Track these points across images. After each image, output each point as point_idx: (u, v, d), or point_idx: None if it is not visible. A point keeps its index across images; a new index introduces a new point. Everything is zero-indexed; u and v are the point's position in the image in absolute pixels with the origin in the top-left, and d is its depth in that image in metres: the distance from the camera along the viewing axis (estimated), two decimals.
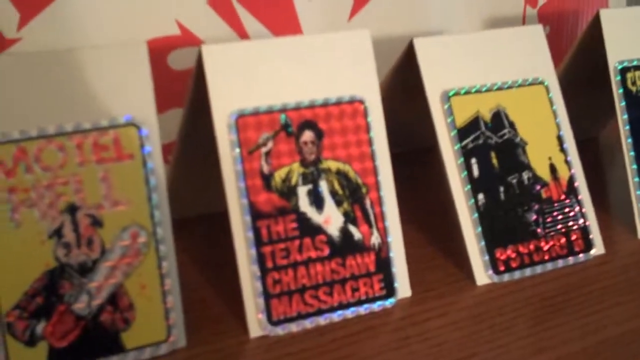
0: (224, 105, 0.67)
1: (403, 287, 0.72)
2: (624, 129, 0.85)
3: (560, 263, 0.78)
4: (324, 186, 0.69)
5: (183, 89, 0.73)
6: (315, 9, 0.95)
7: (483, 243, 0.75)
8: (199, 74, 0.68)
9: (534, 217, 0.78)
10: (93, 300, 0.61)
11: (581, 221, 0.80)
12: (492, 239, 0.75)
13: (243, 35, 0.90)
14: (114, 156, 0.62)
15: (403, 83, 0.81)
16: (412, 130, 0.89)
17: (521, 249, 0.76)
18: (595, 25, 0.87)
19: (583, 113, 0.87)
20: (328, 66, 0.71)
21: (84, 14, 0.81)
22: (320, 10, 0.95)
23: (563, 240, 0.78)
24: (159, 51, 0.85)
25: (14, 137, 0.59)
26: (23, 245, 0.59)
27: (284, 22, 0.92)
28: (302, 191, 0.68)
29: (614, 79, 0.85)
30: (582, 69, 0.95)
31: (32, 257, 0.59)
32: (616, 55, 0.86)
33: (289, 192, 0.68)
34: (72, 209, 0.61)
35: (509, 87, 0.80)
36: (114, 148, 0.62)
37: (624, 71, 0.85)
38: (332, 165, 0.70)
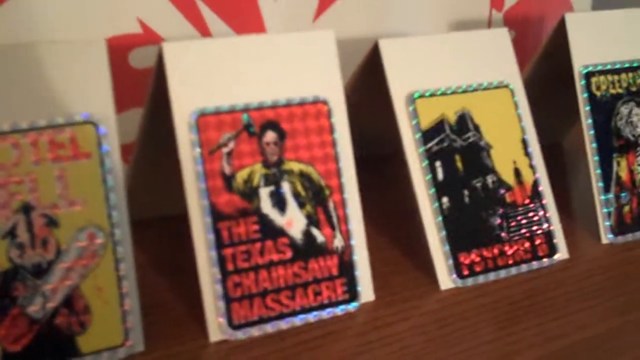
0: (185, 104, 0.65)
1: (366, 291, 0.71)
2: (588, 133, 0.85)
3: (524, 267, 0.77)
4: (286, 188, 0.68)
5: (144, 89, 0.71)
6: (280, 9, 0.94)
7: (447, 247, 0.74)
8: (159, 72, 0.66)
9: (498, 221, 0.77)
10: (48, 303, 0.59)
11: (545, 226, 0.79)
12: (456, 243, 0.75)
13: (206, 34, 0.89)
14: (71, 154, 0.61)
15: (367, 85, 0.80)
16: (376, 135, 0.88)
17: (485, 253, 0.76)
18: (561, 30, 0.87)
19: (548, 118, 0.87)
20: (292, 66, 0.70)
21: (44, 10, 0.80)
22: (285, 11, 0.94)
23: (527, 244, 0.78)
24: (120, 49, 0.84)
25: None
26: None
27: (247, 22, 0.91)
28: (264, 192, 0.67)
29: (579, 83, 0.85)
30: (547, 73, 0.95)
31: None
32: (581, 59, 0.86)
33: (250, 194, 0.67)
34: (26, 209, 0.59)
35: (474, 90, 0.79)
36: (70, 146, 0.61)
37: (588, 75, 0.85)
38: (295, 166, 0.69)
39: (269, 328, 0.66)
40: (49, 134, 0.60)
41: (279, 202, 0.68)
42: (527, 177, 0.80)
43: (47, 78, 0.61)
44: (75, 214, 0.60)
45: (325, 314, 0.68)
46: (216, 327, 0.65)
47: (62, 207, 0.60)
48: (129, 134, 0.71)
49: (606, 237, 0.85)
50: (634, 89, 0.87)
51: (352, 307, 0.70)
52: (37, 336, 0.59)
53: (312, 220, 0.69)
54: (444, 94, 0.78)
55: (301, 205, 0.69)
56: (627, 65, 0.88)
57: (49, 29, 0.81)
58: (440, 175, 0.76)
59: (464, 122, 0.78)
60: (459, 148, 0.77)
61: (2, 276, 0.58)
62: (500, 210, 0.78)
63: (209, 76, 0.67)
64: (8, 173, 0.59)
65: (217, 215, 0.65)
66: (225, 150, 0.66)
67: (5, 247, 0.58)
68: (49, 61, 0.61)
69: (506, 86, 0.81)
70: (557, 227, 0.81)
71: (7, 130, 0.59)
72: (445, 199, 0.75)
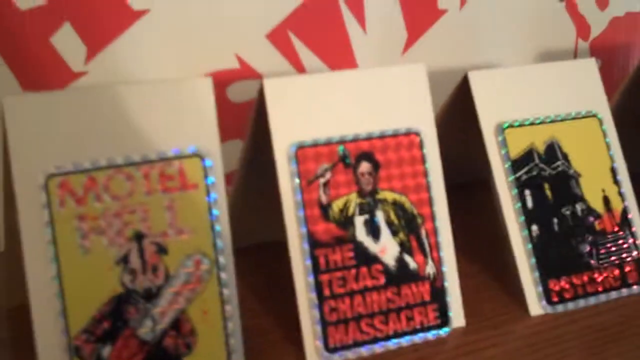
0: (284, 137, 0.69)
1: (457, 317, 0.73)
2: None
3: (613, 295, 0.78)
4: (380, 216, 0.71)
5: (241, 121, 0.75)
6: (370, 42, 0.97)
7: (537, 274, 0.76)
8: (260, 106, 0.70)
9: (588, 248, 0.78)
10: (157, 325, 0.63)
11: (635, 253, 0.80)
12: (546, 270, 0.76)
13: (300, 68, 0.92)
14: (179, 186, 0.64)
15: (457, 116, 0.82)
16: (466, 163, 0.90)
17: (575, 280, 0.77)
18: None
19: (635, 147, 0.87)
20: (385, 99, 0.73)
21: (146, 48, 0.84)
22: (375, 44, 0.97)
23: (617, 272, 0.79)
24: (218, 84, 0.87)
25: (84, 167, 0.62)
26: (91, 271, 0.61)
27: (339, 56, 0.94)
28: (359, 221, 0.70)
29: None
30: (635, 102, 0.95)
31: (99, 282, 0.61)
32: None
33: (346, 222, 0.69)
34: (138, 237, 0.63)
35: (562, 120, 0.81)
36: (179, 178, 0.64)
37: None
38: (389, 196, 0.71)
39: (364, 352, 0.69)
40: (159, 166, 0.64)
41: (373, 230, 0.70)
42: (616, 205, 0.81)
43: (157, 114, 0.65)
44: (183, 242, 0.64)
45: (417, 338, 0.70)
46: (313, 351, 0.67)
47: (170, 236, 0.64)
48: (227, 164, 0.75)
49: None
50: None
51: (443, 332, 0.71)
52: (146, 357, 0.62)
53: (404, 248, 0.71)
54: (532, 123, 0.79)
55: (394, 233, 0.71)
56: None
57: (151, 66, 0.85)
58: (529, 203, 0.77)
59: (552, 151, 0.80)
60: (547, 177, 0.79)
61: (116, 300, 0.62)
62: (590, 238, 0.79)
63: (307, 110, 0.70)
64: (122, 204, 0.62)
65: (314, 243, 0.68)
66: (322, 180, 0.69)
67: (118, 273, 0.62)
68: (158, 98, 0.65)
69: (594, 115, 0.82)
70: None
71: (122, 164, 0.63)
72: (534, 227, 0.77)
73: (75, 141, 0.62)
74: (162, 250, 0.63)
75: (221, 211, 0.66)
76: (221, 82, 0.89)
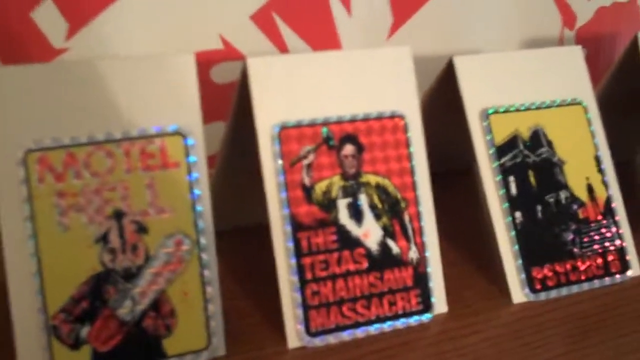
0: (267, 117, 0.68)
1: (440, 303, 0.72)
2: None
3: (596, 283, 0.78)
4: (363, 200, 0.70)
5: (224, 103, 0.74)
6: (355, 26, 0.96)
7: (520, 261, 0.75)
8: (243, 86, 0.69)
9: (571, 236, 0.78)
10: (136, 306, 0.62)
11: (618, 242, 0.80)
12: (529, 258, 0.76)
13: (284, 50, 0.91)
14: (160, 164, 0.63)
15: (442, 101, 0.81)
16: (450, 151, 0.89)
17: (558, 268, 0.77)
18: (633, 48, 0.87)
19: (620, 135, 0.87)
20: (369, 81, 0.72)
21: (129, 26, 0.83)
22: (360, 28, 0.96)
23: (600, 260, 0.79)
24: (202, 64, 0.86)
25: (64, 143, 0.61)
26: (70, 249, 0.60)
27: (324, 39, 0.93)
28: (342, 204, 0.69)
29: None
30: (620, 91, 0.95)
31: (78, 261, 0.60)
32: None
33: (329, 205, 0.69)
34: (118, 215, 0.62)
35: (548, 107, 0.80)
36: (160, 156, 0.63)
37: None
38: (372, 179, 0.71)
39: (346, 336, 0.68)
40: (140, 144, 0.63)
41: (356, 214, 0.70)
42: (600, 194, 0.81)
43: (139, 91, 0.64)
44: (164, 221, 0.63)
45: (399, 324, 0.70)
46: (294, 334, 0.67)
47: (151, 214, 0.63)
48: (208, 147, 0.74)
49: None
50: None
51: (425, 318, 0.71)
52: (125, 338, 0.62)
53: (388, 232, 0.71)
54: (517, 110, 0.79)
55: (377, 217, 0.70)
56: None
57: (133, 44, 0.84)
58: (513, 190, 0.77)
59: (537, 138, 0.79)
60: (532, 164, 0.78)
61: (95, 279, 0.61)
62: (573, 226, 0.78)
63: (291, 90, 0.69)
64: (102, 181, 0.61)
65: (296, 225, 0.67)
66: (305, 162, 0.68)
67: (98, 252, 0.61)
68: (140, 74, 0.64)
69: (579, 103, 0.82)
70: (629, 244, 0.81)
71: (102, 140, 0.62)
72: (518, 214, 0.76)
73: (55, 117, 0.61)
74: (142, 229, 0.62)
75: (203, 191, 0.65)
76: (205, 62, 0.88)
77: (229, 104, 0.72)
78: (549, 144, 0.80)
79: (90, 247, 0.61)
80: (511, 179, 0.77)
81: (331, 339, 0.67)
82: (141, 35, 0.84)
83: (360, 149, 0.70)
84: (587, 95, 0.83)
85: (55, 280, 0.59)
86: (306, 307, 0.67)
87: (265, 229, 0.68)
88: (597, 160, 0.81)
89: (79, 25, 0.80)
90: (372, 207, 0.70)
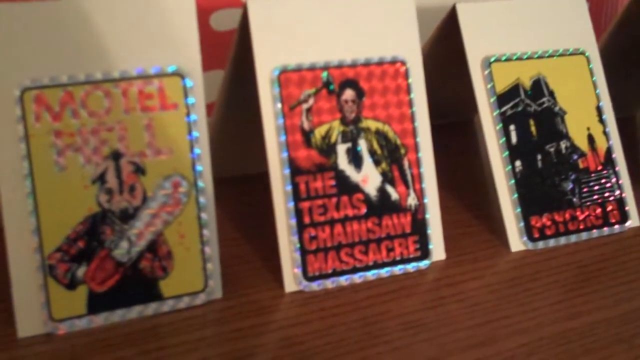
0: (267, 61, 0.67)
1: (438, 250, 0.72)
2: None
3: (595, 233, 0.78)
4: (363, 145, 0.70)
5: (224, 51, 0.73)
6: None
7: (519, 210, 0.75)
8: (243, 30, 0.68)
9: (571, 186, 0.78)
10: (133, 247, 0.62)
11: (617, 192, 0.80)
12: (528, 206, 0.75)
13: None
14: (158, 105, 0.63)
15: (444, 49, 0.81)
16: (451, 103, 0.89)
17: (557, 217, 0.76)
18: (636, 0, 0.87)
19: (623, 89, 0.86)
20: (371, 26, 0.71)
21: None
22: None
23: (599, 210, 0.78)
24: (202, 11, 0.86)
25: (61, 81, 0.60)
26: (67, 189, 0.60)
27: None
28: (342, 149, 0.69)
29: None
30: (623, 43, 0.94)
31: (75, 201, 0.60)
32: None
33: (328, 150, 0.68)
34: (116, 155, 0.61)
35: (550, 56, 0.80)
36: (158, 97, 0.63)
37: None
38: (372, 124, 0.70)
39: (343, 281, 0.68)
40: (139, 84, 0.62)
41: (355, 159, 0.69)
42: (601, 144, 0.80)
43: (138, 30, 0.63)
44: (161, 163, 0.63)
45: (397, 270, 0.70)
46: (291, 278, 0.67)
47: (149, 156, 0.62)
48: (207, 95, 0.73)
49: None
50: None
51: (423, 264, 0.71)
52: (122, 279, 0.61)
53: (387, 178, 0.70)
54: (519, 58, 0.78)
55: (377, 162, 0.70)
56: None
57: None
58: (513, 139, 0.76)
59: (538, 88, 0.79)
60: (533, 113, 0.78)
61: (92, 219, 0.60)
62: (573, 176, 0.78)
63: (291, 34, 0.68)
64: (100, 121, 0.61)
65: (295, 169, 0.67)
66: (305, 106, 0.68)
67: (95, 192, 0.61)
68: (139, 14, 0.63)
69: (582, 53, 0.81)
70: (629, 195, 0.81)
71: (100, 79, 0.61)
72: (518, 163, 0.76)
73: (52, 55, 0.60)
74: (139, 170, 0.62)
75: (201, 133, 0.64)
76: (205, 9, 0.87)
77: (228, 51, 0.72)
78: (551, 93, 0.79)
79: (87, 187, 0.60)
80: (512, 127, 0.76)
81: (328, 283, 0.67)
82: None
83: (360, 94, 0.70)
84: (590, 45, 0.83)
85: (52, 220, 0.59)
86: (304, 251, 0.67)
87: (265, 177, 0.67)
88: (599, 111, 0.81)
89: None
90: (372, 152, 0.70)
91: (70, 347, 0.59)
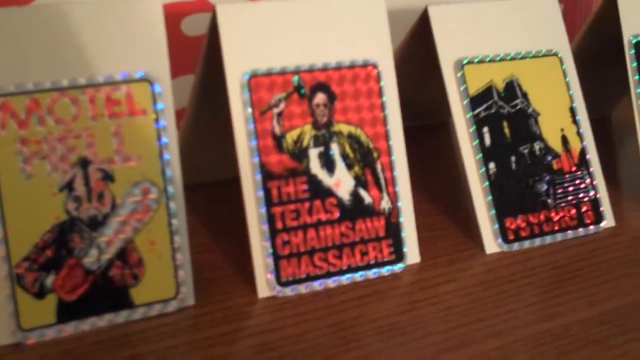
0: (238, 65, 0.67)
1: (412, 253, 0.72)
2: (637, 103, 0.84)
3: (570, 234, 0.78)
4: (335, 149, 0.69)
5: (195, 56, 0.73)
6: None
7: (493, 212, 0.75)
8: (212, 35, 0.67)
9: (545, 187, 0.78)
10: (103, 255, 0.61)
11: (592, 193, 0.80)
12: (503, 208, 0.75)
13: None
14: (127, 111, 0.62)
15: (417, 52, 0.81)
16: (424, 106, 0.89)
17: (531, 219, 0.76)
18: (611, 0, 0.86)
19: (596, 90, 0.86)
20: (342, 29, 0.71)
21: None
22: None
23: (574, 211, 0.78)
24: (173, 16, 0.85)
25: (27, 89, 0.59)
26: (34, 198, 0.59)
27: None
28: (314, 154, 0.68)
29: (629, 52, 0.85)
30: (597, 44, 0.94)
31: (43, 209, 0.59)
32: (631, 29, 0.85)
33: (300, 154, 0.68)
34: (84, 163, 0.60)
35: (523, 58, 0.80)
36: (126, 103, 0.62)
37: (638, 45, 0.85)
38: (344, 128, 0.70)
39: (317, 286, 0.67)
40: (106, 90, 0.61)
41: (328, 163, 0.69)
42: (575, 145, 0.80)
43: (105, 36, 0.63)
44: (131, 170, 0.62)
45: (371, 274, 0.70)
46: (265, 284, 0.66)
47: (117, 163, 0.62)
48: (179, 101, 0.73)
49: None
50: None
51: (398, 268, 0.71)
52: (92, 287, 0.61)
53: (360, 182, 0.70)
54: (492, 60, 0.78)
55: (350, 166, 0.70)
56: None
57: None
58: (487, 141, 0.76)
59: (512, 90, 0.79)
60: (506, 115, 0.78)
61: (60, 228, 0.60)
62: (547, 177, 0.78)
63: (262, 38, 0.68)
64: (67, 128, 0.60)
65: (267, 175, 0.66)
66: (276, 111, 0.67)
67: (63, 200, 0.60)
68: (106, 20, 0.63)
69: (555, 54, 0.81)
70: (604, 196, 0.81)
71: (67, 87, 0.60)
72: (492, 165, 0.76)
73: (18, 62, 0.60)
74: (108, 177, 0.61)
75: (170, 139, 0.64)
76: (176, 14, 0.86)
77: (199, 56, 0.71)
78: (524, 95, 0.79)
79: (55, 195, 0.60)
80: (485, 130, 0.76)
81: (302, 289, 0.67)
82: None
83: (332, 98, 0.69)
84: (563, 46, 0.83)
85: (19, 229, 0.58)
86: (277, 256, 0.66)
87: (236, 183, 0.67)
88: (573, 112, 0.81)
89: None
90: (344, 156, 0.70)
91: (40, 357, 0.58)
